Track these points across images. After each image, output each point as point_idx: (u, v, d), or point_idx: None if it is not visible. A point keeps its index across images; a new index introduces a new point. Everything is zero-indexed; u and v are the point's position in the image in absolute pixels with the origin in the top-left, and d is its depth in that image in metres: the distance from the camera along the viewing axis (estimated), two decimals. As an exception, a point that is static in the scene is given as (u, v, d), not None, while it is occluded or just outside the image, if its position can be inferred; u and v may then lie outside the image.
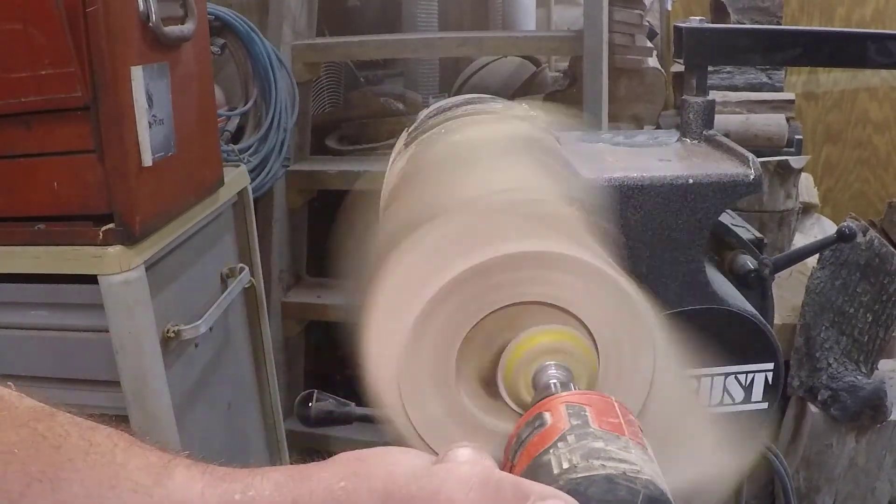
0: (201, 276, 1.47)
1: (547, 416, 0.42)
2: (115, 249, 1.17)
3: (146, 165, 1.20)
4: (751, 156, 0.79)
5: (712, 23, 1.32)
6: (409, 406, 0.49)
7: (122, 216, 1.19)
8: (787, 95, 2.37)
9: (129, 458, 0.40)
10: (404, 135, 0.84)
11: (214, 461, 0.41)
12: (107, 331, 1.20)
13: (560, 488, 0.37)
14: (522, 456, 0.41)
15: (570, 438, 0.39)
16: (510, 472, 0.41)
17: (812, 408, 1.93)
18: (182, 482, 0.39)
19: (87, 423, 0.43)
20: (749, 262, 0.87)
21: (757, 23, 2.38)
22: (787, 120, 2.29)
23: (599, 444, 0.38)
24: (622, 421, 0.41)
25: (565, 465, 0.37)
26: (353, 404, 0.84)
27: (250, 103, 2.01)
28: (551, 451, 0.39)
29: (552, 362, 0.48)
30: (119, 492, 0.39)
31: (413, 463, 0.38)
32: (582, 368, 0.49)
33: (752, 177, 0.77)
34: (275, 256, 2.26)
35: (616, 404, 0.43)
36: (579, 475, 0.36)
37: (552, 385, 0.47)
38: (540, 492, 0.36)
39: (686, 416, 0.54)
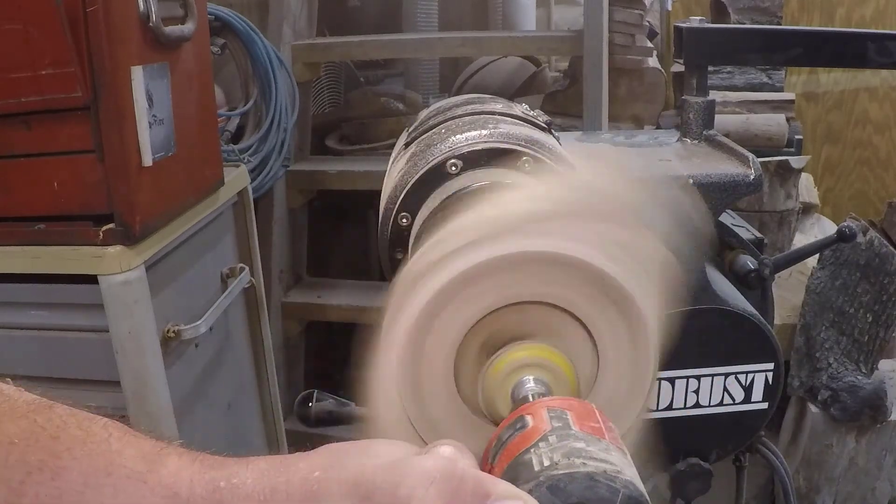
0: (201, 276, 1.47)
1: (528, 418, 0.42)
2: (115, 249, 1.17)
3: (146, 165, 1.20)
4: (751, 156, 0.79)
5: (712, 23, 1.32)
6: (408, 407, 0.49)
7: (122, 216, 1.18)
8: (787, 95, 2.37)
9: (124, 447, 0.42)
10: (404, 135, 0.84)
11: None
12: (107, 331, 1.20)
13: (540, 484, 0.37)
14: (503, 457, 0.41)
15: (552, 439, 0.39)
16: (489, 472, 0.41)
17: (812, 408, 1.93)
18: (174, 469, 0.41)
19: (83, 414, 0.44)
20: (749, 262, 0.87)
21: (757, 23, 2.38)
22: (787, 120, 2.29)
23: (581, 445, 0.39)
24: (602, 426, 0.41)
25: (546, 463, 0.38)
26: (353, 404, 0.83)
27: (250, 103, 2.01)
28: (532, 450, 0.39)
29: (530, 377, 0.48)
30: (114, 479, 0.40)
31: (390, 455, 0.39)
32: (560, 384, 0.49)
33: (752, 177, 0.77)
34: (275, 256, 2.26)
35: (596, 411, 0.43)
36: (560, 472, 0.37)
37: (531, 396, 0.47)
38: (502, 491, 0.36)
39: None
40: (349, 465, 0.38)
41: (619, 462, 0.38)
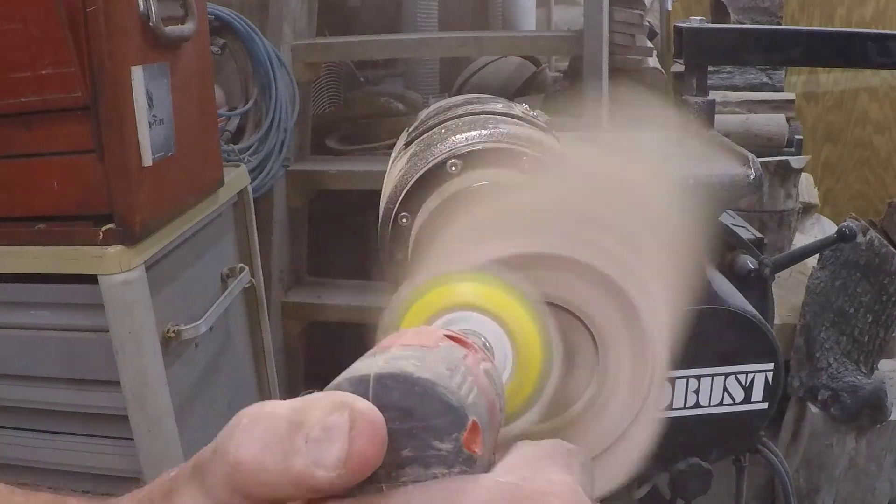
0: (201, 276, 1.47)
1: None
2: (115, 249, 1.17)
3: (146, 165, 1.20)
4: (751, 156, 0.79)
5: (712, 23, 1.33)
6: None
7: (122, 216, 1.19)
8: (787, 95, 2.37)
9: None
10: (404, 135, 0.84)
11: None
12: (107, 331, 1.19)
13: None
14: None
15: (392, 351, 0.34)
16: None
17: (812, 408, 1.93)
18: None
19: None
20: (749, 262, 0.87)
21: (757, 23, 2.38)
22: (787, 120, 2.29)
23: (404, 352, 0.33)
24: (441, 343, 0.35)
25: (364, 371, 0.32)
26: (353, 404, 0.83)
27: (250, 103, 2.01)
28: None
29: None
30: None
31: None
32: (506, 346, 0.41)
33: (752, 177, 0.77)
34: (275, 256, 2.26)
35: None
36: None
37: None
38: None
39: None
40: None
41: (423, 359, 0.32)
